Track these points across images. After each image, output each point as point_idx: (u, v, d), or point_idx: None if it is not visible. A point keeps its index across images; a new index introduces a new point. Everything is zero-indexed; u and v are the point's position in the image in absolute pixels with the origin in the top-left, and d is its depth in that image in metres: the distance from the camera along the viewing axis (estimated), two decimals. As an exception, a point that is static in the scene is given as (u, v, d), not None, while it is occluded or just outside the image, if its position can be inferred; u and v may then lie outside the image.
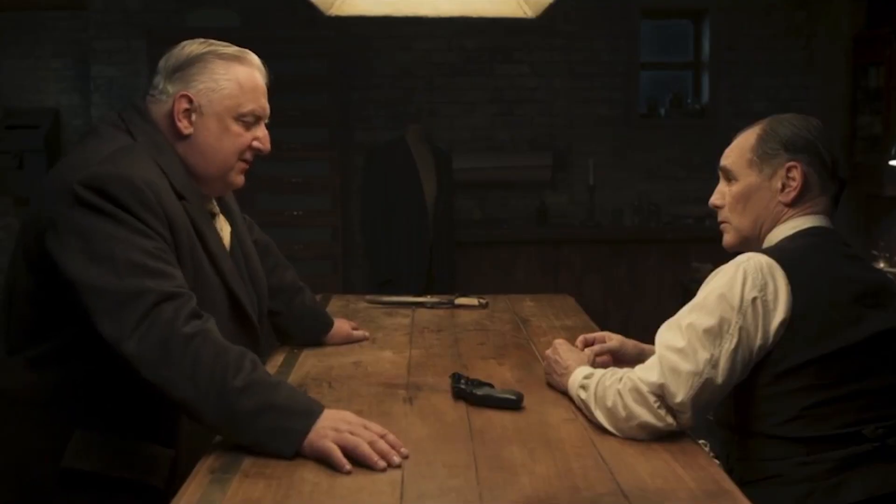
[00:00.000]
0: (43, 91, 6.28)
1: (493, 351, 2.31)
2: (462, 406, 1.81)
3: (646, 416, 1.62)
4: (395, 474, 1.45)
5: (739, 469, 1.73)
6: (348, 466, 1.45)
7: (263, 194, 5.59)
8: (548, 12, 2.89)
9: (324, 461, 1.48)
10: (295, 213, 5.73)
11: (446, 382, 1.96)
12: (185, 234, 1.70)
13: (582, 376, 1.78)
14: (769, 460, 1.68)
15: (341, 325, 2.39)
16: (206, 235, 1.78)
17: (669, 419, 1.62)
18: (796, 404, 1.65)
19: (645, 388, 1.62)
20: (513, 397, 1.81)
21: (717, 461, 1.67)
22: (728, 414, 1.76)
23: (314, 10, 2.80)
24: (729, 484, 1.42)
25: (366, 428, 1.53)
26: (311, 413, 1.54)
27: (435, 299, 2.92)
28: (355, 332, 2.40)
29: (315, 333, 2.34)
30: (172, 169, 1.75)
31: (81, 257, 1.56)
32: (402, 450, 1.52)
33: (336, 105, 5.82)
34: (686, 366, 1.61)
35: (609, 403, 1.66)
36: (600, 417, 1.68)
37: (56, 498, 1.66)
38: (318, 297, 2.68)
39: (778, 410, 1.66)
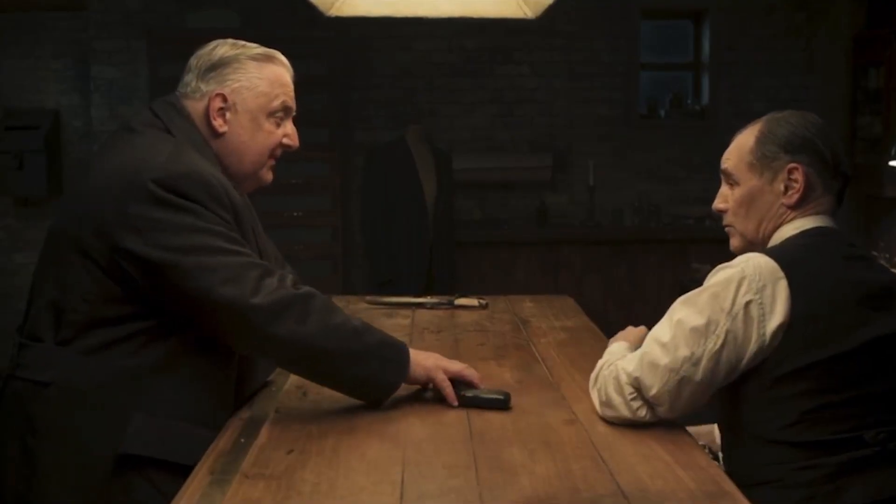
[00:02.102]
0: (43, 91, 6.28)
1: (492, 352, 2.31)
2: (462, 407, 1.81)
3: (620, 405, 1.69)
4: (395, 475, 1.45)
5: (739, 473, 1.72)
6: (456, 402, 1.81)
7: (263, 195, 5.58)
8: (548, 13, 2.89)
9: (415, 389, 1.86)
10: (295, 213, 5.74)
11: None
12: (248, 224, 1.81)
13: (607, 351, 1.86)
14: (769, 464, 1.67)
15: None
16: (256, 228, 1.89)
17: (642, 412, 1.67)
18: (797, 408, 1.63)
19: (624, 379, 1.69)
20: (500, 397, 1.81)
21: (717, 462, 1.67)
22: (728, 417, 1.76)
23: (314, 10, 2.80)
24: (729, 485, 1.42)
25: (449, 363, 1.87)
26: (404, 346, 1.84)
27: (435, 300, 2.92)
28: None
29: None
30: (214, 164, 1.82)
31: (174, 251, 1.64)
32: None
33: (336, 105, 5.83)
34: (664, 360, 1.64)
35: (598, 386, 1.76)
36: (593, 398, 1.78)
37: (114, 483, 1.68)
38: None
39: (779, 414, 1.65)
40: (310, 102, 5.74)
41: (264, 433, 1.66)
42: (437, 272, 5.19)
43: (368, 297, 3.03)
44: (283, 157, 1.97)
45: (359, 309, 2.87)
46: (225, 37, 1.93)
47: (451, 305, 2.88)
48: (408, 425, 1.70)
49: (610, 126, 6.34)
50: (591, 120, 6.33)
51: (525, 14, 2.82)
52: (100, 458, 1.68)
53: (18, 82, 6.26)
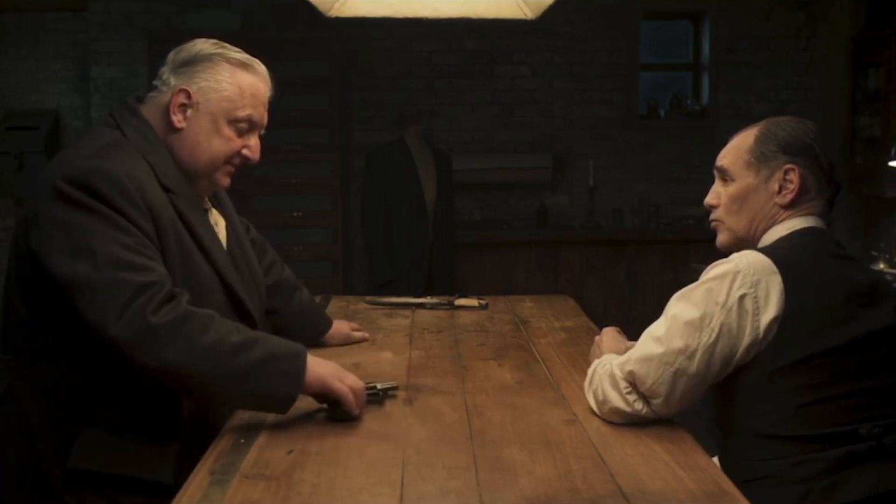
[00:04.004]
0: (43, 92, 6.28)
1: (492, 352, 2.31)
2: (462, 407, 1.81)
3: (616, 399, 1.71)
4: (395, 475, 1.45)
5: (735, 469, 1.72)
6: (357, 411, 1.71)
7: (263, 195, 5.60)
8: (548, 13, 2.89)
9: (321, 400, 1.72)
10: (295, 214, 5.74)
11: (446, 384, 1.96)
12: (169, 224, 1.73)
13: (600, 363, 1.85)
14: (764, 460, 1.68)
15: (340, 326, 2.39)
16: (195, 227, 1.80)
17: (638, 405, 1.69)
18: (790, 403, 1.65)
19: (618, 374, 1.72)
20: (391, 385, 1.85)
21: (717, 462, 1.67)
22: (723, 413, 1.77)
23: (314, 11, 2.81)
24: (729, 485, 1.42)
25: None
26: (300, 352, 1.68)
27: (435, 300, 2.92)
28: (355, 333, 2.40)
29: (313, 331, 2.33)
30: (161, 163, 1.77)
31: (61, 251, 1.59)
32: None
33: (336, 106, 5.83)
34: (658, 351, 1.67)
35: (593, 387, 1.78)
36: (590, 400, 1.79)
37: (65, 498, 1.68)
38: (318, 299, 2.68)
39: (772, 409, 1.66)
40: (310, 102, 5.78)
41: (264, 433, 1.66)
42: (437, 273, 5.19)
43: (368, 298, 3.04)
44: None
45: (359, 309, 2.88)
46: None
47: (451, 306, 2.88)
48: (408, 426, 1.71)
49: (610, 127, 6.35)
50: (591, 120, 6.34)
51: (525, 15, 2.82)
52: (51, 474, 1.68)
53: (19, 83, 6.27)
